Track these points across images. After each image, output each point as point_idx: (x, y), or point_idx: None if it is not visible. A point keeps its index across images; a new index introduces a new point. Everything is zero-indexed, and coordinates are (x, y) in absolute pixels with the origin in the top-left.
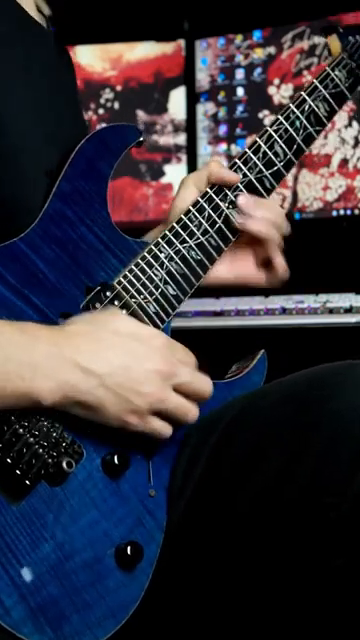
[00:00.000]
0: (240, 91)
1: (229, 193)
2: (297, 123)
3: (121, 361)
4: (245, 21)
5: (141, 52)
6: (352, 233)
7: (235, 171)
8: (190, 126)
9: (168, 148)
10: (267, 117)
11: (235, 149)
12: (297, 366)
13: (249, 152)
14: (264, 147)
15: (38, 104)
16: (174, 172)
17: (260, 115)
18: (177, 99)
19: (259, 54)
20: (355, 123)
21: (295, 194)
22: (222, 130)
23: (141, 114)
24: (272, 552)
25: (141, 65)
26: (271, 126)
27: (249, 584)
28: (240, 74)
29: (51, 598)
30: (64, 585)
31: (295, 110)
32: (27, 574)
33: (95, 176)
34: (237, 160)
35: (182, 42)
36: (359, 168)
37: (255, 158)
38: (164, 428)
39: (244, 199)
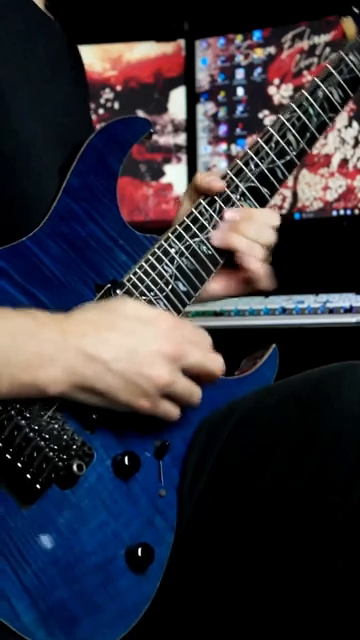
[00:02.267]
0: (240, 91)
1: (240, 185)
2: (310, 110)
3: (127, 345)
4: (245, 21)
5: (141, 52)
6: (352, 233)
7: (247, 162)
8: (190, 126)
9: (168, 148)
10: (267, 117)
11: (235, 149)
12: (297, 366)
13: (261, 141)
14: (276, 136)
15: (49, 103)
16: (174, 172)
17: (260, 115)
18: (177, 99)
19: (259, 54)
20: (355, 123)
21: (295, 194)
22: (222, 130)
23: (141, 114)
24: (279, 550)
25: (141, 65)
26: (284, 114)
27: (256, 582)
28: (240, 74)
29: (62, 602)
30: (75, 588)
31: (309, 97)
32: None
33: (105, 171)
34: (248, 150)
35: (182, 42)
36: (359, 168)
37: (267, 148)
38: (173, 411)
39: (230, 215)
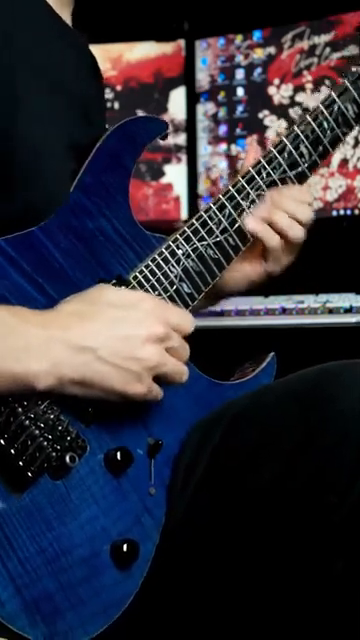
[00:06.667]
0: (240, 91)
1: (251, 192)
2: (325, 124)
3: (113, 331)
4: (245, 21)
5: (141, 52)
6: (352, 233)
7: (259, 170)
8: (190, 126)
9: (168, 148)
10: (267, 117)
11: (235, 149)
12: (297, 366)
13: (274, 151)
14: (290, 147)
15: (65, 111)
16: (174, 172)
17: (260, 115)
18: (177, 99)
19: (259, 54)
20: None
21: None
22: (222, 130)
23: (141, 114)
24: (273, 550)
25: (141, 65)
26: (298, 126)
27: (249, 582)
28: (240, 74)
29: (46, 592)
30: (60, 580)
31: (324, 111)
32: None
33: (118, 169)
34: (261, 159)
35: (182, 42)
36: (359, 168)
37: (280, 158)
38: (160, 392)
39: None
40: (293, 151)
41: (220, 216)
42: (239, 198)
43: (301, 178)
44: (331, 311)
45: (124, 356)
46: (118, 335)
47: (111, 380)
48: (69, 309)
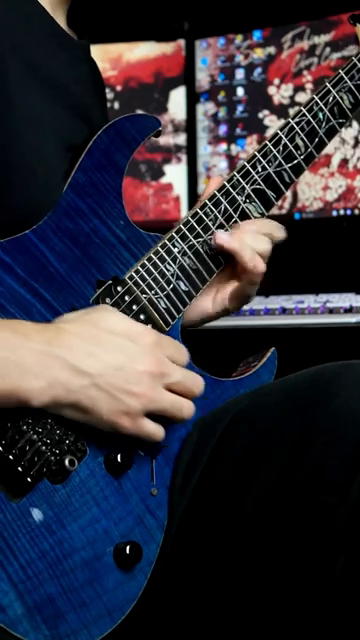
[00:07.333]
0: (240, 91)
1: (247, 187)
2: (320, 115)
3: (114, 361)
4: (245, 21)
5: (141, 52)
6: (352, 233)
7: (254, 164)
8: (190, 126)
9: (168, 148)
10: (267, 117)
11: (235, 149)
12: (297, 366)
13: (269, 144)
14: (285, 139)
15: (63, 111)
16: (174, 172)
17: (260, 115)
18: (177, 99)
19: (259, 54)
20: (355, 123)
21: (295, 194)
22: (222, 130)
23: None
24: (274, 551)
25: (141, 65)
26: (293, 118)
27: (250, 583)
28: (240, 74)
29: (48, 596)
30: (62, 583)
31: (319, 101)
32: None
33: (111, 168)
34: (256, 153)
35: (182, 42)
36: (359, 168)
37: (275, 151)
38: (157, 431)
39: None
40: (288, 143)
41: (216, 212)
42: (234, 193)
43: (297, 171)
44: (331, 311)
45: (119, 388)
46: (117, 366)
47: (101, 409)
48: (71, 329)
